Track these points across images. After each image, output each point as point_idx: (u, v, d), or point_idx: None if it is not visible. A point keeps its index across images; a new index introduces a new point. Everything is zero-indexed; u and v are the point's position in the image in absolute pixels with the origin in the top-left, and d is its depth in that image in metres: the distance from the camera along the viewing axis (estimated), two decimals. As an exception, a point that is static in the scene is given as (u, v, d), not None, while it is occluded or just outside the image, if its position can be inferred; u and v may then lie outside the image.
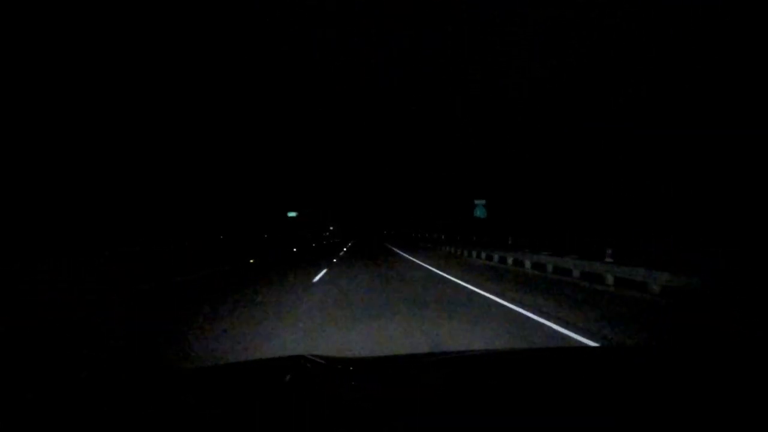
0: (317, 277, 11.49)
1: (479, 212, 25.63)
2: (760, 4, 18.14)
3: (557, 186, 26.92)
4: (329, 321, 5.86)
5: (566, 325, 5.58)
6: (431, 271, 13.78)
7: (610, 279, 10.01)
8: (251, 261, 18.00)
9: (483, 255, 18.90)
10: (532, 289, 9.22)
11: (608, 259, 11.49)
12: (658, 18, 22.03)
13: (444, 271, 13.25)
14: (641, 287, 8.94)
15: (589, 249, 15.30)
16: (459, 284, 10.11)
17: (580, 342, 4.79)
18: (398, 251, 27.45)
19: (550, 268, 12.78)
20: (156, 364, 4.11)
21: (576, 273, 11.45)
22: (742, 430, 0.83)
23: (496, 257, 17.06)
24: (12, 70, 18.14)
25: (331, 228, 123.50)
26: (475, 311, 6.57)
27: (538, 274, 12.56)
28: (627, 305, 7.27)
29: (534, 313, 6.37)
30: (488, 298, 7.95)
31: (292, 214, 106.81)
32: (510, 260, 15.70)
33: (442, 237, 35.25)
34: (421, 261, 18.08)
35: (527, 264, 14.42)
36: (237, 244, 36.97)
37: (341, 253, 24.27)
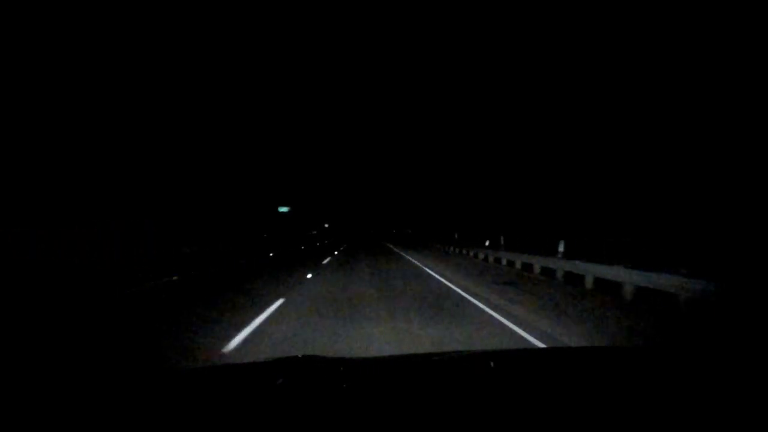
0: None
1: None
2: (760, 3, 18.20)
3: (555, 186, 26.92)
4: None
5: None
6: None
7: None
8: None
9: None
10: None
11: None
12: (658, 18, 22.07)
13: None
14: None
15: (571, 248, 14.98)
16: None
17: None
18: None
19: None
20: (156, 364, 4.07)
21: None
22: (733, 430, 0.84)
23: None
24: (11, 69, 17.65)
25: (326, 225, 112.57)
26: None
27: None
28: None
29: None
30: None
31: (283, 209, 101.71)
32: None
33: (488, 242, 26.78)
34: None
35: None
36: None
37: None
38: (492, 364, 1.46)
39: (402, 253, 25.18)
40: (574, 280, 10.79)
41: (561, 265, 11.81)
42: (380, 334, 5.09)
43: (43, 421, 0.86)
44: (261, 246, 31.82)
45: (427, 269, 14.58)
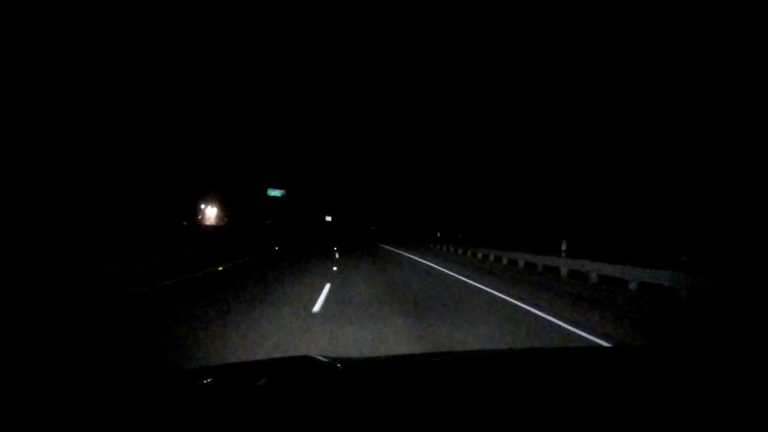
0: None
1: None
2: (760, 3, 18.21)
3: (553, 186, 27.09)
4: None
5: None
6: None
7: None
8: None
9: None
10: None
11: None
12: (658, 17, 21.96)
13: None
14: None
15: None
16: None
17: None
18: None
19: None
20: (156, 364, 4.05)
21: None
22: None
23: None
24: (12, 70, 17.08)
25: (329, 218, 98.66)
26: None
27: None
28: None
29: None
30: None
31: (274, 192, 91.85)
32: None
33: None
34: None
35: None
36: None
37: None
38: (491, 364, 1.49)
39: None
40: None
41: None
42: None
43: (42, 422, 0.87)
44: None
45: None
